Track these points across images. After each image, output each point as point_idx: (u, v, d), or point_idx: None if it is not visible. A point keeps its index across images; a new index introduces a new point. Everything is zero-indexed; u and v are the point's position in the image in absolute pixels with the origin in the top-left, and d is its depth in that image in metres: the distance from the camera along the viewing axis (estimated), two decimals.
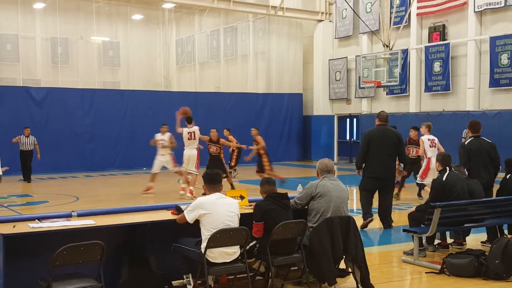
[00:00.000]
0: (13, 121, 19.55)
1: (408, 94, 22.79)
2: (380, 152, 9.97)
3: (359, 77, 23.63)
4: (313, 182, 6.74)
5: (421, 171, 13.53)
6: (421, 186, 13.83)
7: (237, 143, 18.79)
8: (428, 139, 13.43)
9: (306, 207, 6.71)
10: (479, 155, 8.74)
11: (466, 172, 8.60)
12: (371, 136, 10.12)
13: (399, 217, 11.26)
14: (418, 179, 13.69)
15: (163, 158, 15.28)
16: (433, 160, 12.43)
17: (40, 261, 5.49)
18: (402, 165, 10.52)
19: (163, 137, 15.35)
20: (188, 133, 14.41)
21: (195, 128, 14.51)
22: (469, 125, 9.15)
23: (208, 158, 15.44)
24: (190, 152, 14.44)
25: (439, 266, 7.26)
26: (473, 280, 6.89)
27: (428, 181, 13.06)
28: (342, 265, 6.70)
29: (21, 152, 18.00)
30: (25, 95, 21.20)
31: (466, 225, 8.13)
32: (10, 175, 16.97)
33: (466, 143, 8.91)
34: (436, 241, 8.51)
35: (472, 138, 8.92)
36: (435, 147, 13.35)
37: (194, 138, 14.40)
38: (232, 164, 19.32)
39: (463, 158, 8.79)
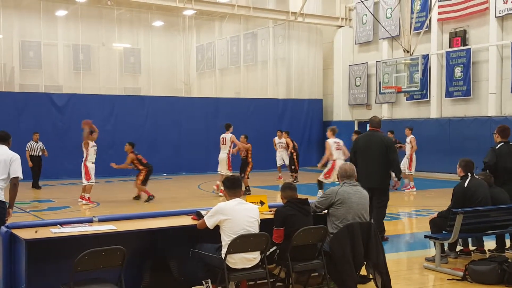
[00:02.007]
0: (36, 127, 19.69)
1: (428, 99, 22.62)
2: (365, 160, 9.15)
3: (380, 82, 23.50)
4: (333, 188, 6.73)
5: (325, 170, 14.40)
6: (321, 185, 14.47)
7: (295, 146, 20.07)
8: (335, 142, 14.40)
9: (326, 211, 6.69)
10: (507, 161, 8.58)
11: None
12: (357, 144, 9.48)
13: (420, 223, 11.19)
14: (321, 177, 14.43)
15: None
16: (338, 161, 13.83)
17: (62, 266, 5.52)
18: (393, 174, 9.50)
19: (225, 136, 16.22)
20: (221, 138, 15.65)
21: (228, 135, 15.59)
22: (499, 130, 8.85)
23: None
24: (222, 156, 15.75)
25: (461, 273, 7.19)
26: (496, 287, 6.80)
27: (330, 180, 14.14)
28: (363, 271, 6.67)
29: (31, 158, 17.50)
30: (48, 102, 21.44)
31: (488, 231, 8.03)
32: (25, 181, 17.18)
33: (496, 147, 8.66)
34: (458, 248, 8.43)
35: (502, 143, 8.70)
36: (340, 149, 14.35)
37: (225, 144, 15.52)
38: (296, 168, 19.99)
39: (490, 158, 8.53)
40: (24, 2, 22.28)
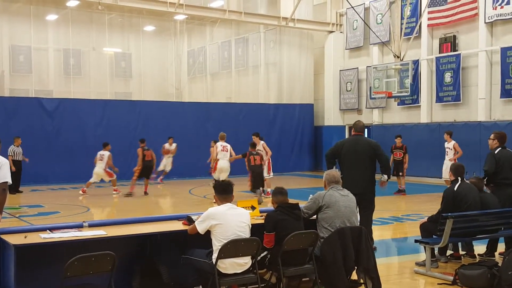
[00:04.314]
0: (26, 131, 19.63)
1: (419, 104, 22.71)
2: (351, 165, 8.74)
3: (370, 87, 23.61)
4: (321, 192, 6.75)
5: (213, 168, 16.40)
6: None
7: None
8: (221, 145, 16.18)
9: (315, 216, 6.70)
10: (505, 166, 8.63)
11: (485, 183, 8.49)
12: (342, 147, 9.03)
13: (411, 228, 11.22)
14: (213, 174, 16.37)
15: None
16: (220, 162, 15.97)
17: (52, 271, 5.50)
18: (385, 176, 9.04)
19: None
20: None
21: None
22: (498, 136, 8.87)
23: None
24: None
25: (451, 278, 7.21)
26: None
27: (216, 176, 15.90)
28: (354, 276, 6.67)
29: (13, 163, 16.84)
30: (38, 106, 21.34)
31: (478, 236, 8.07)
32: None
33: (496, 152, 8.71)
34: (449, 252, 8.46)
35: (500, 148, 8.74)
36: (226, 151, 16.14)
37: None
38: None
39: (490, 165, 8.57)
40: (14, 7, 22.20)
